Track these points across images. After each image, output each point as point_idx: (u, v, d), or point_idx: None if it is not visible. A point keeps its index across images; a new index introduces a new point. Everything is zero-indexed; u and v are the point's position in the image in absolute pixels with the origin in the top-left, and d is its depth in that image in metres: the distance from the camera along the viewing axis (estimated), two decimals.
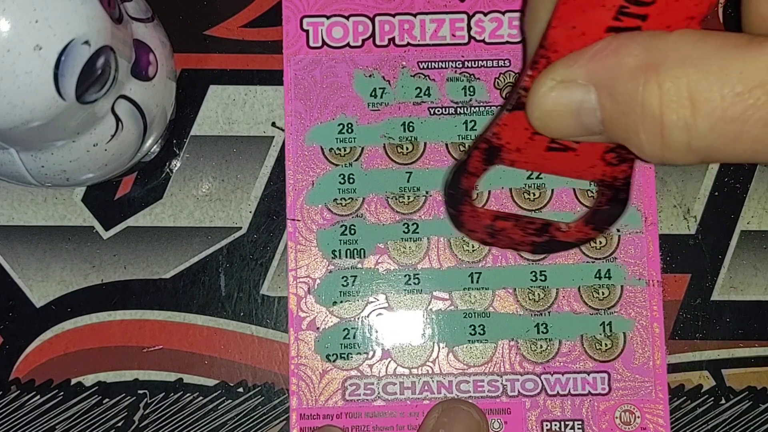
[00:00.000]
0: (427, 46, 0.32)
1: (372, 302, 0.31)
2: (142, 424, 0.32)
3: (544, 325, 0.31)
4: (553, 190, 0.32)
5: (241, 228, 0.32)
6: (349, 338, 0.31)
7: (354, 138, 0.32)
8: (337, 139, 0.32)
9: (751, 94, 0.20)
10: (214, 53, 0.32)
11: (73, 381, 0.32)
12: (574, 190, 0.32)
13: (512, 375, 0.31)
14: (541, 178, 0.32)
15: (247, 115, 0.32)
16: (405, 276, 0.31)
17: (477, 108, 0.32)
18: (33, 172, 0.26)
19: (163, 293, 0.32)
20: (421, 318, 0.31)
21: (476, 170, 0.27)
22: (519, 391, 0.31)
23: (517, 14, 0.32)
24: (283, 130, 0.32)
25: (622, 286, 0.31)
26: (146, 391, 0.32)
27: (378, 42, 0.32)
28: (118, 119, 0.26)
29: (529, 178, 0.32)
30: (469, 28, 0.32)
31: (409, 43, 0.32)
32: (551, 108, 0.23)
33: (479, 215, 0.28)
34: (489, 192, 0.32)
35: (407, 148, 0.32)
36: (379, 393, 0.31)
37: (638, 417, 0.31)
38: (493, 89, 0.32)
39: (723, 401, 0.32)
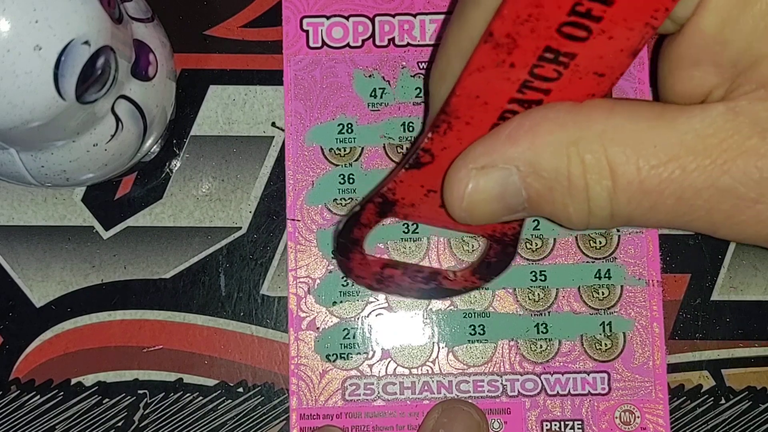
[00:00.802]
0: (427, 47, 0.32)
1: (372, 302, 0.31)
2: (142, 424, 0.32)
3: (544, 325, 0.31)
4: None
5: (241, 228, 0.32)
6: (349, 338, 0.31)
7: (354, 138, 0.32)
8: (337, 139, 0.32)
9: (665, 168, 0.21)
10: (214, 53, 0.32)
11: (73, 381, 0.32)
12: None
13: (512, 375, 0.31)
14: None
15: (247, 115, 0.32)
16: None
17: None
18: (33, 172, 0.26)
19: (163, 293, 0.32)
20: (420, 318, 0.31)
21: (369, 222, 0.27)
22: (519, 391, 0.31)
23: None
24: (283, 130, 0.32)
25: (621, 286, 0.31)
26: (146, 391, 0.32)
27: (378, 42, 0.32)
28: (118, 119, 0.26)
29: None
30: None
31: (409, 44, 0.32)
32: (476, 197, 0.23)
33: (368, 263, 0.29)
34: None
35: (407, 149, 0.32)
36: (379, 393, 0.31)
37: (638, 417, 0.31)
38: None
39: (723, 401, 0.32)
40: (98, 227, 0.32)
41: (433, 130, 0.24)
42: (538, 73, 0.22)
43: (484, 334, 0.31)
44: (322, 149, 0.32)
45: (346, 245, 0.28)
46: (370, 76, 0.32)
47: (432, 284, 0.29)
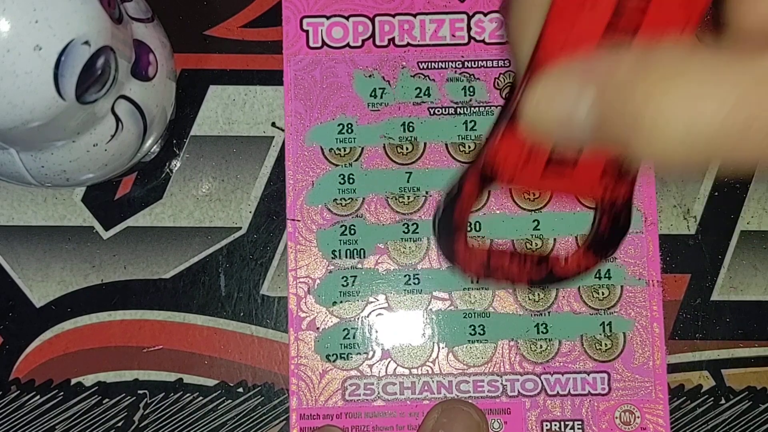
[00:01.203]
0: (427, 47, 0.32)
1: (372, 302, 0.31)
2: (142, 424, 0.32)
3: (544, 325, 0.31)
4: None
5: (241, 228, 0.32)
6: (349, 338, 0.31)
7: (354, 138, 0.32)
8: (337, 139, 0.32)
9: (748, 103, 0.21)
10: (214, 53, 0.32)
11: (73, 381, 0.32)
12: None
13: (512, 375, 0.31)
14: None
15: (247, 115, 0.32)
16: (405, 276, 0.31)
17: (477, 108, 0.32)
18: (33, 172, 0.26)
19: (163, 293, 0.32)
20: (420, 318, 0.31)
21: (471, 195, 0.27)
22: (519, 391, 0.31)
23: None
24: (282, 130, 0.32)
25: (622, 286, 0.31)
26: (146, 391, 0.32)
27: (378, 42, 0.32)
28: (118, 119, 0.26)
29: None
30: (469, 29, 0.32)
31: (409, 44, 0.32)
32: (545, 107, 0.23)
33: (473, 251, 0.28)
34: (489, 192, 0.32)
35: (407, 148, 0.32)
36: (379, 393, 0.31)
37: (638, 417, 0.31)
38: (492, 89, 0.32)
39: (723, 401, 0.32)
40: (98, 227, 0.32)
41: (526, 83, 0.23)
42: (624, 4, 0.21)
43: (484, 334, 0.31)
44: (322, 149, 0.32)
45: (449, 228, 0.28)
46: (370, 76, 0.32)
47: (543, 270, 0.29)
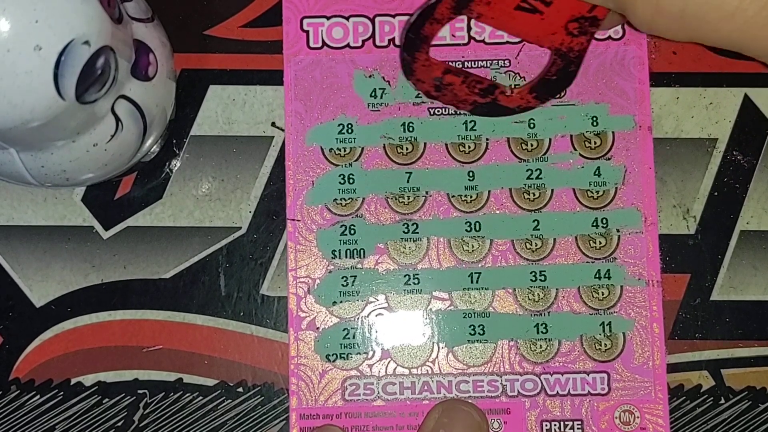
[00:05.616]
0: None
1: (372, 302, 0.31)
2: (142, 423, 0.32)
3: (544, 325, 0.31)
4: (552, 190, 0.32)
5: (240, 228, 0.32)
6: (348, 338, 0.31)
7: (354, 138, 0.32)
8: (337, 139, 0.32)
9: None
10: (214, 53, 0.32)
11: (73, 381, 0.32)
12: (573, 190, 0.32)
13: (512, 375, 0.31)
14: (541, 179, 0.32)
15: (246, 115, 0.32)
16: (405, 276, 0.31)
17: None
18: (33, 172, 0.26)
19: (162, 293, 0.32)
20: (420, 318, 0.31)
21: (442, 17, 0.27)
22: (518, 391, 0.31)
23: None
24: (283, 130, 0.32)
25: (621, 286, 0.32)
26: (146, 390, 0.32)
27: (378, 42, 0.32)
28: (117, 119, 0.26)
29: (528, 178, 0.32)
30: (469, 29, 0.32)
31: None
32: None
33: (432, 65, 0.28)
34: (489, 192, 0.32)
35: (407, 149, 0.32)
36: (378, 393, 0.31)
37: (638, 417, 0.31)
38: None
39: (722, 401, 0.32)
40: (98, 227, 0.32)
41: None
42: None
43: (483, 334, 0.31)
44: (322, 149, 0.32)
45: (415, 42, 0.27)
46: (370, 76, 0.32)
47: (488, 98, 0.29)
